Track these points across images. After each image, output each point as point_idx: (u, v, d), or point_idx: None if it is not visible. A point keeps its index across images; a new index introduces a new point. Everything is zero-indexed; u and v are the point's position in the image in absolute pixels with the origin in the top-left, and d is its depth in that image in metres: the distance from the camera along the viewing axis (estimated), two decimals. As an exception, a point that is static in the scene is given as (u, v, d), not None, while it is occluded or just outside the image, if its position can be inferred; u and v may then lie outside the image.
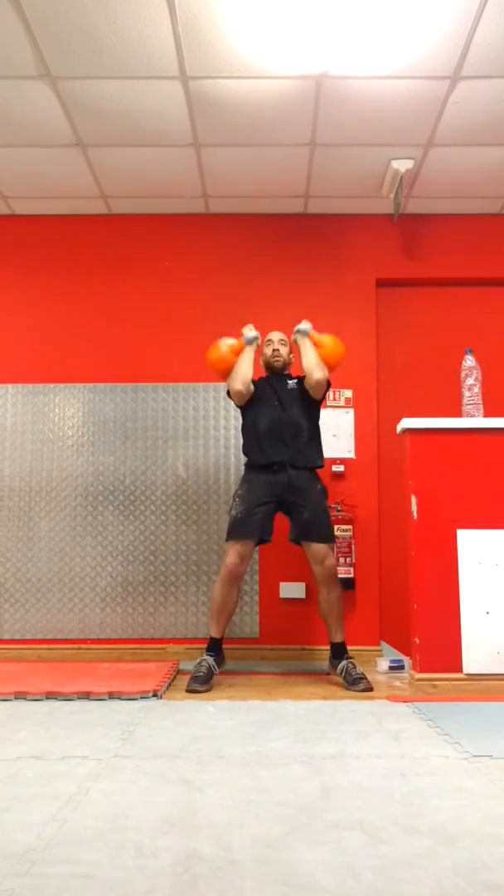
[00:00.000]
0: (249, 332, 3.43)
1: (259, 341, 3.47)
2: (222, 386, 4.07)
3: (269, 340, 3.51)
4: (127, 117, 3.36)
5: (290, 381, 3.45)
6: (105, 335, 4.18)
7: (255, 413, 3.39)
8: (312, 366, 3.30)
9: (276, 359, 3.45)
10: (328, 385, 3.38)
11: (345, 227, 4.28)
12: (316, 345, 3.37)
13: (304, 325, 3.42)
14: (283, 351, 3.47)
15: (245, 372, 3.35)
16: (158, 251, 4.27)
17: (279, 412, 3.35)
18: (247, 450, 3.41)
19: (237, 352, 3.39)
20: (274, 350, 3.46)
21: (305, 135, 3.51)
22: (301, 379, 3.40)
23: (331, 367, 3.38)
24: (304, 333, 3.39)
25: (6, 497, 4.01)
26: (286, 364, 3.49)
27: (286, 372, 3.50)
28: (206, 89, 3.16)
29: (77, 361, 4.15)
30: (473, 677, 2.97)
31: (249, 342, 3.40)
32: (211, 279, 4.22)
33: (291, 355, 3.53)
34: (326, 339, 3.41)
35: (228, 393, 3.44)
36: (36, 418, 4.09)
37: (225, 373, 3.41)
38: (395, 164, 3.70)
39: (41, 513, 4.00)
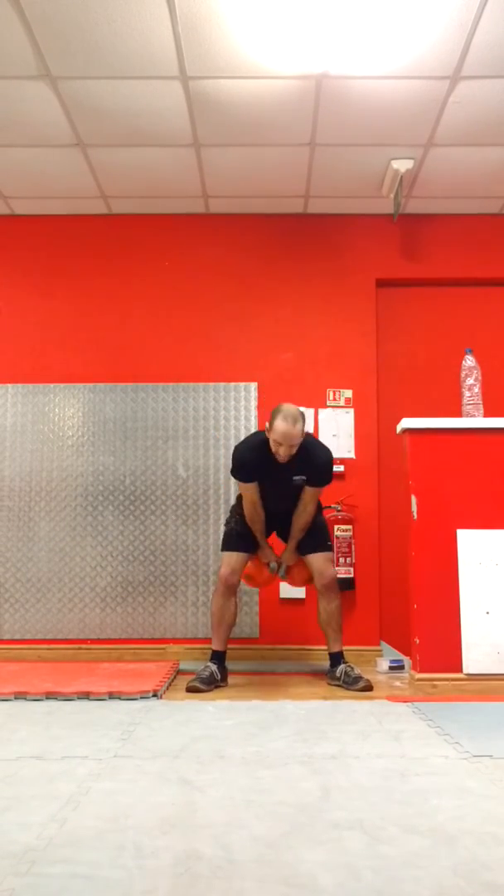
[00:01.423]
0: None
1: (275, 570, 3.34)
2: (222, 386, 4.09)
3: (278, 443, 3.03)
4: (127, 117, 3.36)
5: (296, 479, 3.18)
6: (105, 335, 4.18)
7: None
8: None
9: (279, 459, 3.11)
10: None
11: (345, 227, 4.28)
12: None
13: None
14: (284, 452, 3.05)
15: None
16: (158, 251, 4.26)
17: (276, 503, 3.26)
18: None
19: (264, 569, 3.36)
20: (280, 456, 3.07)
21: (305, 135, 3.50)
22: (308, 475, 3.20)
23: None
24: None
25: (6, 497, 4.01)
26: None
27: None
28: (207, 89, 3.16)
29: (77, 361, 4.15)
30: (473, 677, 2.97)
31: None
32: (211, 279, 4.22)
33: (303, 433, 3.10)
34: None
35: (232, 472, 3.32)
36: (36, 418, 4.09)
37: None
38: (395, 164, 3.70)
39: (41, 513, 4.00)
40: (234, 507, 3.42)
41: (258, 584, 3.47)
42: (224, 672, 3.17)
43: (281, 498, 3.27)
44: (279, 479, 3.17)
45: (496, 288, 4.26)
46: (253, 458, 3.18)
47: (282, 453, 3.05)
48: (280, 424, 3.00)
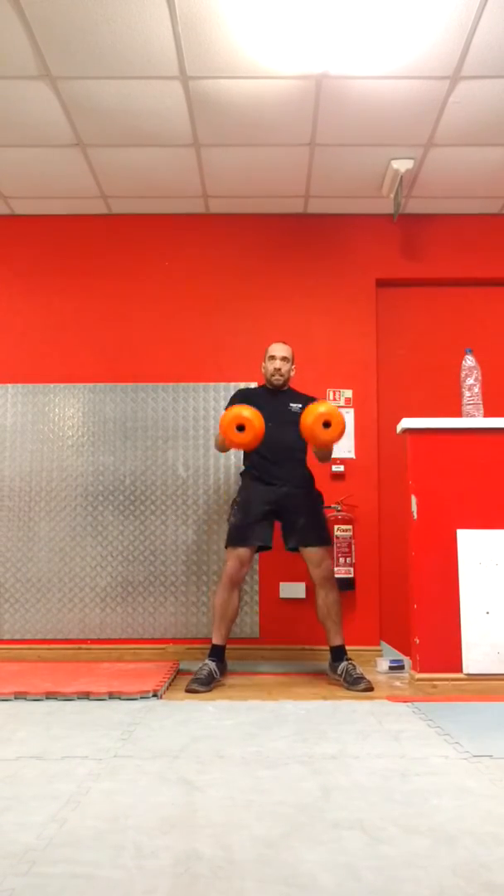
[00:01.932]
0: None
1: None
2: (222, 386, 4.09)
3: (272, 357, 3.44)
4: (127, 117, 3.36)
5: (293, 405, 3.39)
6: (105, 335, 4.18)
7: None
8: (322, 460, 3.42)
9: (277, 378, 3.42)
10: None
11: (345, 227, 4.28)
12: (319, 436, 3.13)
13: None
14: (285, 368, 3.43)
15: (224, 451, 3.52)
16: (158, 251, 4.26)
17: (275, 433, 3.29)
18: (245, 462, 3.46)
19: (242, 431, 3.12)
20: (275, 368, 3.41)
21: (305, 135, 3.51)
22: (307, 403, 3.32)
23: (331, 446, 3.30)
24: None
25: (6, 497, 4.01)
26: (287, 381, 3.47)
27: (287, 388, 3.49)
28: (206, 89, 3.16)
29: (77, 361, 4.15)
30: (473, 677, 2.97)
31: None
32: (211, 279, 4.22)
33: (293, 369, 3.50)
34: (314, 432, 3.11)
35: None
36: (36, 418, 4.09)
37: (221, 445, 3.41)
38: (395, 164, 3.70)
39: (41, 513, 4.00)
40: (233, 500, 3.42)
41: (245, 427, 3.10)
42: (223, 668, 3.17)
43: (279, 429, 3.28)
44: (276, 409, 3.36)
45: (496, 288, 4.27)
46: (249, 391, 3.60)
47: (277, 364, 3.40)
48: (271, 345, 3.49)
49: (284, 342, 3.52)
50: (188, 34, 2.83)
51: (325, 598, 3.24)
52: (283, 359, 3.43)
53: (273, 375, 3.42)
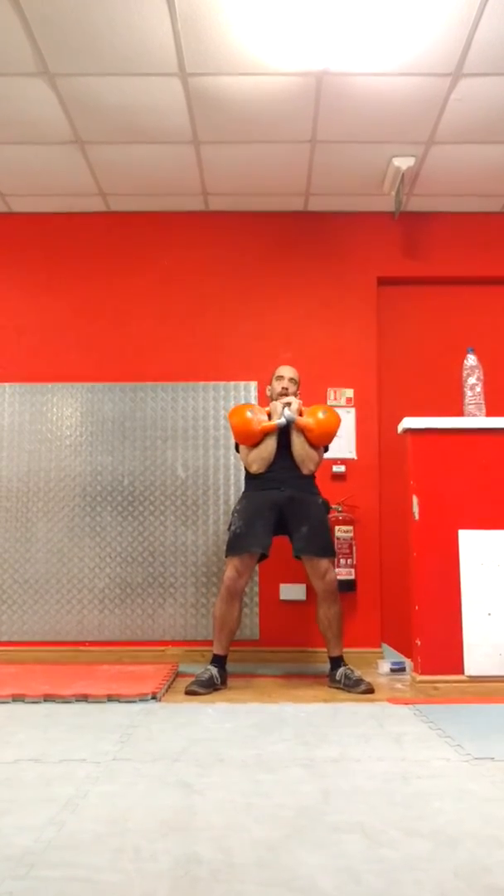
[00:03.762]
0: (283, 417, 3.28)
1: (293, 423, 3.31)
2: (221, 385, 4.07)
3: (280, 377, 3.48)
4: (126, 114, 3.35)
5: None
6: (103, 334, 4.17)
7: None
8: (301, 460, 3.30)
9: (283, 396, 3.43)
10: (324, 453, 3.43)
11: (345, 224, 4.26)
12: (304, 429, 3.30)
13: (288, 413, 3.29)
14: (292, 389, 3.45)
15: (270, 457, 3.28)
16: (158, 249, 4.25)
17: (279, 450, 3.30)
18: (246, 475, 3.44)
19: (264, 430, 3.29)
20: (283, 388, 3.43)
21: (306, 132, 3.49)
22: None
23: (327, 440, 3.37)
24: (291, 422, 3.29)
25: (3, 498, 3.99)
26: None
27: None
28: (206, 86, 3.15)
29: (75, 360, 4.13)
30: (475, 679, 2.96)
31: (281, 426, 3.29)
32: (210, 277, 4.21)
33: (298, 393, 3.50)
34: (311, 420, 3.30)
35: (237, 447, 3.43)
36: (34, 418, 4.07)
37: (242, 436, 3.31)
38: (397, 162, 3.69)
39: (39, 513, 3.98)
40: (234, 509, 3.39)
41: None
42: (224, 675, 3.15)
43: (283, 447, 3.29)
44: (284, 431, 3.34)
45: (498, 286, 4.25)
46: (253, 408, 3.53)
47: (284, 384, 3.44)
48: (279, 367, 3.54)
49: (292, 366, 3.55)
50: (187, 30, 2.81)
51: (328, 612, 3.21)
52: (291, 380, 3.47)
53: (280, 395, 3.43)
